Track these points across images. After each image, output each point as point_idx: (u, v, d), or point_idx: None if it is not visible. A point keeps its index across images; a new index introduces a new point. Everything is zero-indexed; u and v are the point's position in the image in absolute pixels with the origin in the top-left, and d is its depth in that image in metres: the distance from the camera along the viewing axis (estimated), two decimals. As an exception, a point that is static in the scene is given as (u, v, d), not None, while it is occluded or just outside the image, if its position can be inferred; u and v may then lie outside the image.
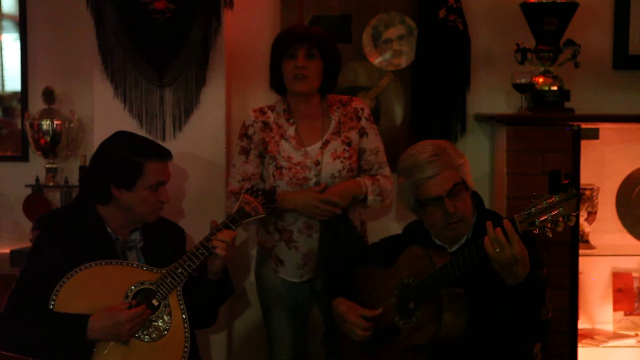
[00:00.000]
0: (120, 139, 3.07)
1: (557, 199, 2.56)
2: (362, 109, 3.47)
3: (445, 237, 2.93)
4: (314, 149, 3.40)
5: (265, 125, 3.43)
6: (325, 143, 3.40)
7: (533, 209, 2.58)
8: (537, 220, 2.58)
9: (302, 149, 3.39)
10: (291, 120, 3.42)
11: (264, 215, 3.17)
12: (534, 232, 2.60)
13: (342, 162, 3.39)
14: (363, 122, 3.45)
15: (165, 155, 3.04)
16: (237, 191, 3.39)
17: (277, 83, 3.43)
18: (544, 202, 2.57)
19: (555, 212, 2.56)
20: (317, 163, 3.37)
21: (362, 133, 3.45)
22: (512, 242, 2.58)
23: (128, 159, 2.96)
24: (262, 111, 3.46)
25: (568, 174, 2.68)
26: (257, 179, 3.44)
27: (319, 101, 3.45)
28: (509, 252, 2.58)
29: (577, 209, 2.58)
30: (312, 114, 3.43)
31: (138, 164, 2.95)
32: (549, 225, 2.57)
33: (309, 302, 3.60)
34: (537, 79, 3.77)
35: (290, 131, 3.41)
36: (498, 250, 2.59)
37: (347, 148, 3.41)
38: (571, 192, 2.56)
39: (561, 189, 2.56)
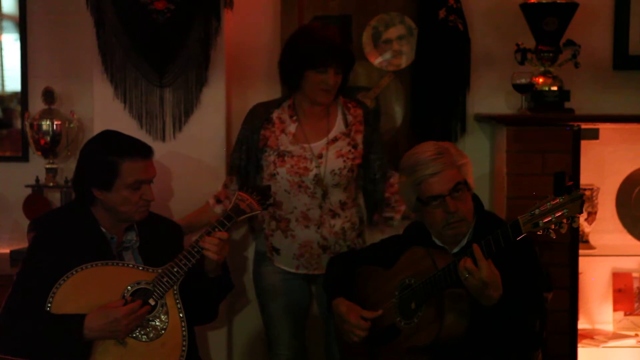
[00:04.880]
0: (97, 139, 3.08)
1: (561, 200, 2.56)
2: (369, 113, 3.53)
3: (445, 237, 2.93)
4: (318, 145, 3.43)
5: (268, 120, 3.46)
6: (333, 140, 3.43)
7: (537, 211, 2.58)
8: (540, 221, 2.58)
9: (302, 144, 3.42)
10: (294, 117, 3.46)
11: (259, 211, 3.17)
12: (538, 233, 2.60)
13: (344, 161, 3.41)
14: (369, 130, 3.49)
15: (144, 153, 3.00)
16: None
17: (292, 82, 3.44)
18: (548, 203, 2.57)
19: (559, 214, 2.56)
20: (320, 156, 3.39)
21: (369, 141, 3.47)
22: (480, 267, 2.60)
23: (102, 160, 2.94)
24: (266, 106, 3.51)
25: (572, 176, 2.66)
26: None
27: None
28: (477, 277, 2.60)
29: (582, 211, 2.58)
30: (318, 113, 3.46)
31: (113, 164, 2.92)
32: (552, 226, 2.57)
33: (307, 299, 3.62)
34: (537, 79, 3.77)
35: (291, 128, 3.44)
36: (468, 276, 2.61)
37: (352, 150, 3.44)
38: (576, 194, 2.56)
39: (565, 191, 2.56)
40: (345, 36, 3.48)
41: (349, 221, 3.48)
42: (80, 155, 3.07)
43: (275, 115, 3.48)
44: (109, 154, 2.95)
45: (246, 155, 3.49)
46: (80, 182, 3.03)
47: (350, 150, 3.43)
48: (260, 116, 3.48)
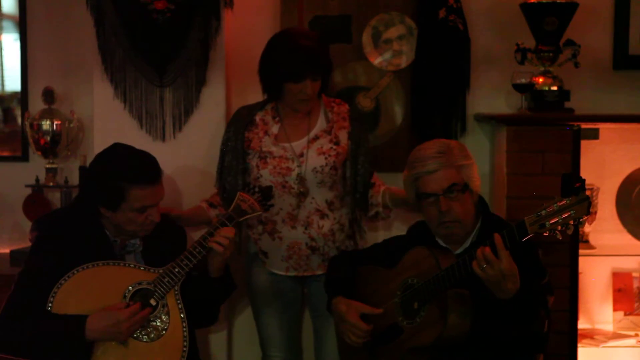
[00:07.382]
0: (107, 158, 3.02)
1: (568, 202, 2.55)
2: (355, 110, 3.54)
3: (440, 236, 2.95)
4: (299, 143, 3.43)
5: (251, 123, 3.46)
6: (314, 138, 3.43)
7: (543, 212, 2.58)
8: (547, 222, 2.57)
9: (283, 144, 3.42)
10: (277, 119, 3.47)
11: (260, 212, 3.17)
12: (544, 234, 2.59)
13: (326, 158, 3.40)
14: (355, 125, 3.48)
15: (153, 179, 2.97)
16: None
17: (272, 92, 3.44)
18: (555, 205, 2.56)
19: (566, 215, 2.55)
20: (301, 155, 3.40)
21: (356, 138, 3.45)
22: (500, 258, 2.58)
23: (111, 184, 2.92)
24: (249, 109, 3.51)
25: (580, 177, 2.64)
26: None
27: None
28: (497, 267, 2.58)
29: (589, 213, 2.58)
30: (300, 114, 3.46)
31: (121, 189, 2.91)
32: (559, 228, 2.57)
33: (299, 300, 3.61)
34: (537, 79, 3.77)
35: (274, 129, 3.45)
36: (485, 266, 2.59)
37: (334, 147, 3.43)
38: (583, 196, 2.55)
39: (573, 192, 2.56)
40: (322, 40, 3.42)
41: (338, 222, 3.46)
42: (89, 172, 3.06)
43: (258, 117, 3.48)
44: (117, 178, 2.92)
45: (231, 156, 3.47)
46: (86, 199, 3.04)
47: (332, 147, 3.43)
48: (244, 118, 3.48)
